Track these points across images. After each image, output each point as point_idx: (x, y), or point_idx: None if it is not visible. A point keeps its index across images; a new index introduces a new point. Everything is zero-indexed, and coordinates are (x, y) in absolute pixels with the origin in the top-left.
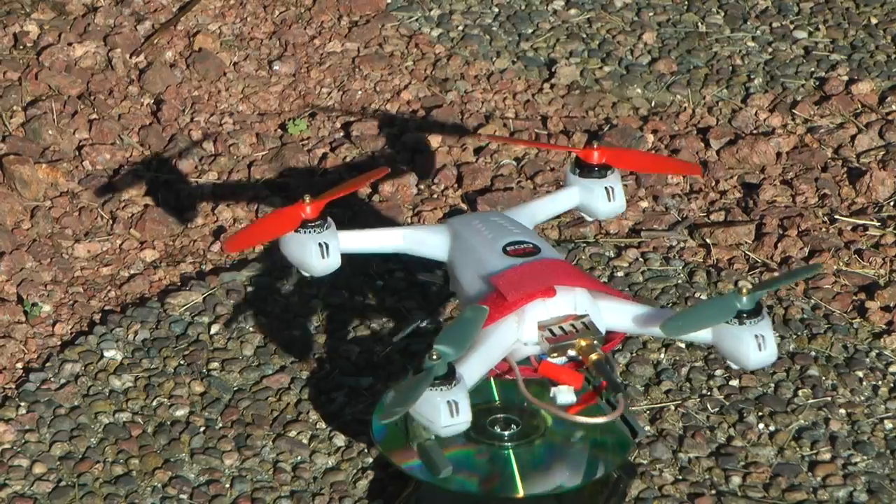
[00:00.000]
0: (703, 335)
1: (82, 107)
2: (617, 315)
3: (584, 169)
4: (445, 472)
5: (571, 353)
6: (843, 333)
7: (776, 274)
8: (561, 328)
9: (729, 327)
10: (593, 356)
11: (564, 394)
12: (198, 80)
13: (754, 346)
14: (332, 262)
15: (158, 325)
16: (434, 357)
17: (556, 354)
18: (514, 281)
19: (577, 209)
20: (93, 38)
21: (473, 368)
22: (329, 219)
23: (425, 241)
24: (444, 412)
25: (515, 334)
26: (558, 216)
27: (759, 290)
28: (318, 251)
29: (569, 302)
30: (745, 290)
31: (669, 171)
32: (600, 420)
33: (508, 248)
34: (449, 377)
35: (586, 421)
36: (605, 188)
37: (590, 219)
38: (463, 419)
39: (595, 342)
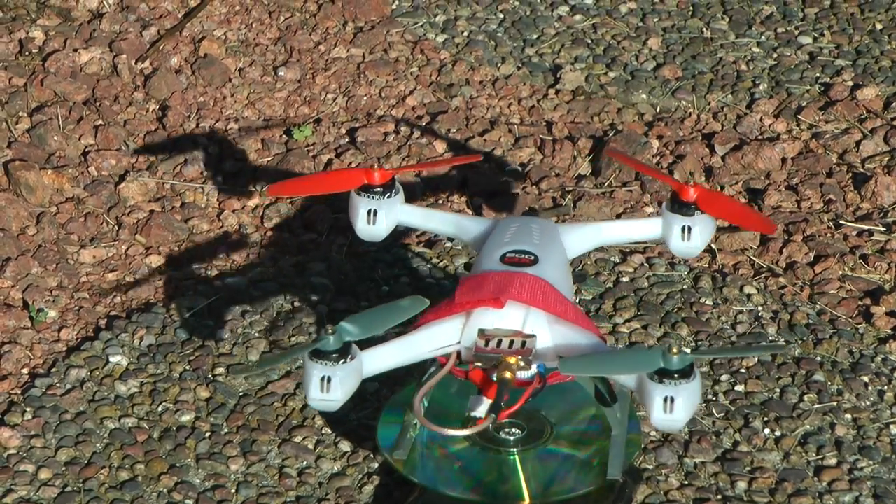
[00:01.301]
0: (625, 379)
1: (88, 112)
2: (567, 347)
3: (674, 203)
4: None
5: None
6: (849, 338)
7: (735, 343)
8: (499, 341)
9: (646, 379)
10: (505, 374)
11: (480, 405)
12: (203, 86)
13: (659, 406)
14: (377, 231)
15: (164, 330)
16: (330, 331)
17: (479, 364)
18: (472, 286)
19: (659, 241)
20: (98, 44)
21: (385, 355)
22: (396, 191)
23: (469, 232)
24: (314, 385)
25: (456, 336)
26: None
27: (694, 355)
28: (366, 217)
29: (517, 318)
30: (675, 350)
31: (748, 226)
32: (462, 433)
33: (507, 256)
34: (340, 354)
35: (450, 433)
36: (683, 227)
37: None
38: (332, 397)
39: (520, 364)
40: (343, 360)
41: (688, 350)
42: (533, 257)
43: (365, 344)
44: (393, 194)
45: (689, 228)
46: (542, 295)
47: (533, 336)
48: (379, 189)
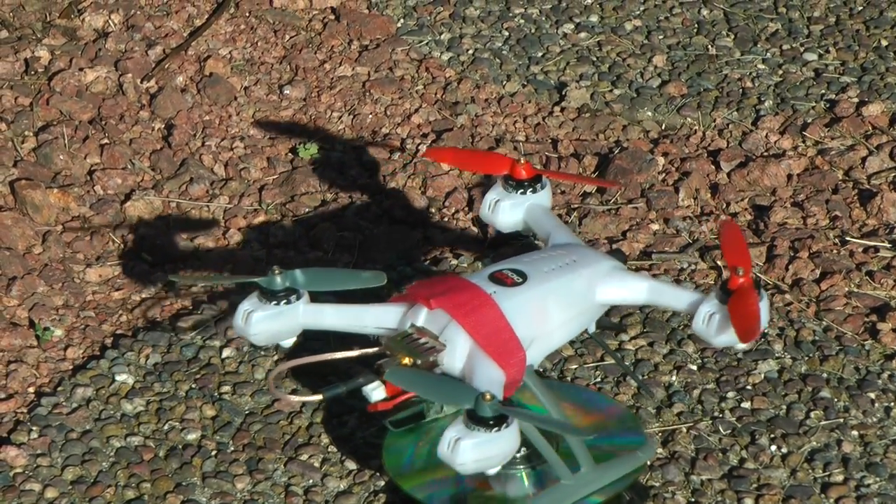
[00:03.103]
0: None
1: (93, 132)
2: (469, 370)
3: (721, 289)
4: (326, 392)
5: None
6: (855, 355)
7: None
8: (416, 339)
9: (457, 418)
10: (385, 367)
11: (376, 391)
12: (209, 105)
13: (447, 442)
14: (495, 220)
15: (170, 349)
16: (276, 272)
17: (387, 352)
18: (431, 283)
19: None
20: (104, 63)
21: (327, 313)
22: (534, 189)
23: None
24: (238, 314)
25: (396, 322)
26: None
27: (505, 410)
28: (489, 203)
29: (438, 325)
30: (488, 398)
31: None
32: (304, 398)
33: (497, 272)
34: (277, 296)
35: (293, 398)
36: (705, 314)
37: None
38: (250, 331)
39: (405, 363)
40: (276, 302)
41: (498, 402)
42: (521, 280)
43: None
44: (528, 192)
45: (711, 316)
46: (474, 315)
47: (444, 346)
48: (515, 182)
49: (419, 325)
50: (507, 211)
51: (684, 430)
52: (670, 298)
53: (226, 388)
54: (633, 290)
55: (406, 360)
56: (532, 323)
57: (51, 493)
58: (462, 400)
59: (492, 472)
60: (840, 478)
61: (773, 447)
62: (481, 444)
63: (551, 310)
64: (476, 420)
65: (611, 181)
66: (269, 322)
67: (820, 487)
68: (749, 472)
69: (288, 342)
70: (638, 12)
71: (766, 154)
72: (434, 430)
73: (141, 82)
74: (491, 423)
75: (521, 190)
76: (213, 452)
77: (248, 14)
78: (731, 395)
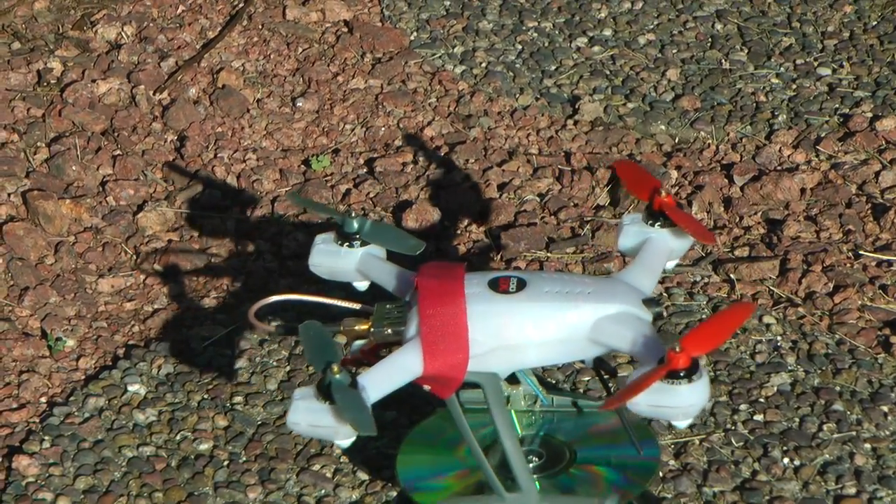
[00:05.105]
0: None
1: (106, 143)
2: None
3: (647, 212)
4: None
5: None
6: (868, 368)
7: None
8: (398, 310)
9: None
10: (346, 325)
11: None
12: (221, 117)
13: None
14: (619, 239)
15: (182, 359)
16: (353, 216)
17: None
18: (435, 266)
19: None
20: (116, 74)
21: (374, 269)
22: (661, 224)
23: None
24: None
25: (405, 291)
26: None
27: (341, 387)
28: (622, 221)
29: (413, 304)
30: (336, 370)
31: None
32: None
33: (500, 277)
34: (343, 237)
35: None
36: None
37: None
38: (310, 261)
39: (362, 327)
40: (339, 242)
41: (346, 379)
42: (512, 290)
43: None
44: (650, 223)
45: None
46: (434, 304)
47: (404, 325)
48: (641, 214)
49: (408, 299)
50: (623, 236)
51: (697, 442)
52: (640, 350)
53: (238, 399)
54: (619, 338)
55: (365, 326)
56: (499, 333)
57: (63, 503)
58: (317, 363)
59: (344, 443)
60: (853, 490)
61: (786, 460)
62: (313, 411)
63: (526, 328)
64: (318, 387)
65: (708, 235)
66: (325, 257)
67: (832, 500)
68: (761, 484)
69: (359, 285)
70: (651, 26)
71: (779, 168)
72: (449, 444)
73: (154, 94)
74: (325, 394)
75: (651, 221)
76: (226, 462)
77: (260, 26)
78: (743, 407)
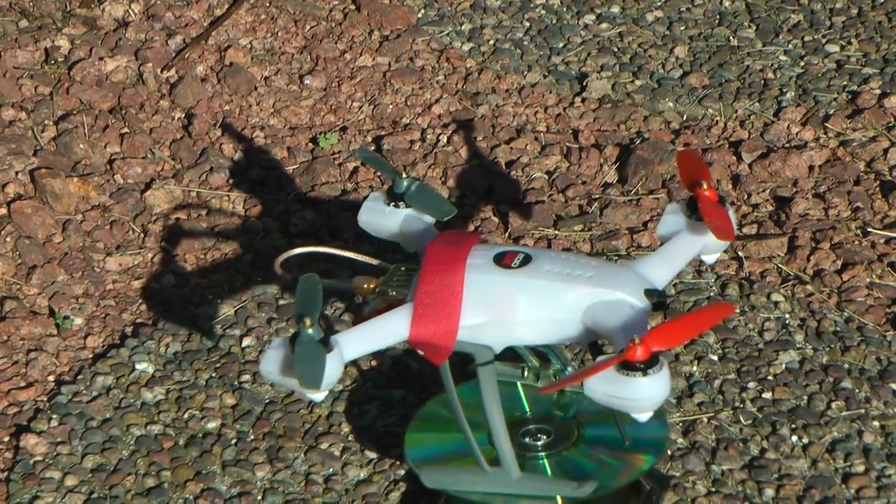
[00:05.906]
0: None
1: (113, 121)
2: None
3: (688, 205)
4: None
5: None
6: (877, 346)
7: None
8: (409, 272)
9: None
10: (356, 283)
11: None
12: (229, 95)
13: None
14: (659, 223)
15: (190, 337)
16: (403, 177)
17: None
18: (451, 233)
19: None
20: (124, 52)
21: (412, 231)
22: (699, 216)
23: None
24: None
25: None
26: None
27: (309, 343)
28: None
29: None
30: (308, 323)
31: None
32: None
33: (508, 251)
34: (390, 197)
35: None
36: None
37: None
38: (359, 216)
39: (370, 286)
40: (385, 201)
41: (317, 336)
42: (516, 266)
43: None
44: (687, 214)
45: None
46: (433, 271)
47: (407, 289)
48: (687, 202)
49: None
50: (665, 220)
51: (705, 420)
52: (617, 338)
53: (246, 377)
54: (603, 323)
55: (373, 285)
56: (494, 306)
57: (70, 481)
58: (296, 315)
59: (315, 397)
60: (861, 468)
61: (794, 437)
62: (282, 361)
63: (520, 303)
64: (291, 339)
65: (728, 233)
66: (371, 215)
67: (841, 478)
68: (770, 462)
69: (408, 247)
70: (659, 3)
71: (787, 145)
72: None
73: (161, 72)
74: (294, 345)
75: (689, 212)
76: (234, 441)
77: (268, 4)
78: (752, 385)
